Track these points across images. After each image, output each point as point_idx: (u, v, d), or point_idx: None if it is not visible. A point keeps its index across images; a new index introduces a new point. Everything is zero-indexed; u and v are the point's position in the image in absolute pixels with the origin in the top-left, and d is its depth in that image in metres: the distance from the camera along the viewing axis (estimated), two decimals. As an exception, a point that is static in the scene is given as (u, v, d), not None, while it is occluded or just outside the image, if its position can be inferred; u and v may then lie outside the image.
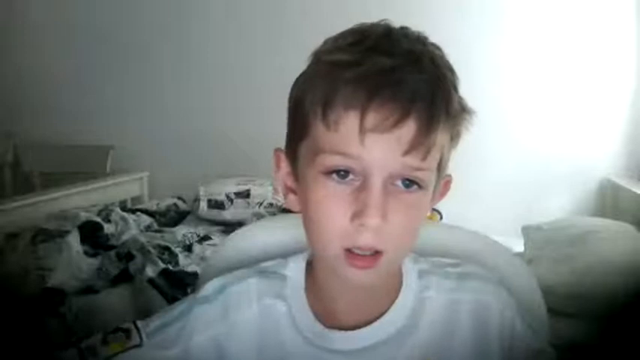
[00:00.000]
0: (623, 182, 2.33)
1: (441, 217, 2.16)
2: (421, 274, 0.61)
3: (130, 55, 2.70)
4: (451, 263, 0.63)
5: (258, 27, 2.61)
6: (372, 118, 0.48)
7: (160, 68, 2.70)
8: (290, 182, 0.58)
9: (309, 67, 0.55)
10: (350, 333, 0.57)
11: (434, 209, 2.15)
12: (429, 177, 0.52)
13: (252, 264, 0.65)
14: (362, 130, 0.48)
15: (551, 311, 1.65)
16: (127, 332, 0.56)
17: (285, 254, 0.66)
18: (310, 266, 0.61)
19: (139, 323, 0.57)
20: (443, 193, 0.58)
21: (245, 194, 2.32)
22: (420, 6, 2.41)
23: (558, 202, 2.48)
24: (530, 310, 0.65)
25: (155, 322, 0.58)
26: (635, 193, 2.16)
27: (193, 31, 2.66)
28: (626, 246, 1.67)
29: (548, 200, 2.47)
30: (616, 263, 1.58)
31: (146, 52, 2.69)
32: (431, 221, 2.05)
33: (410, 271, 0.61)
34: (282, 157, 0.59)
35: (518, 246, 1.98)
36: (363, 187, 0.49)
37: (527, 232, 1.96)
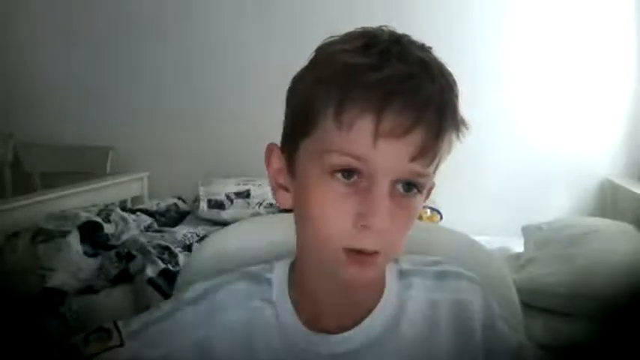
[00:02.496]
0: (623, 182, 2.34)
1: (441, 218, 2.16)
2: (402, 273, 0.62)
3: (130, 56, 2.70)
4: (431, 262, 0.64)
5: (258, 27, 2.61)
6: (387, 122, 0.48)
7: (160, 69, 2.70)
8: (282, 179, 0.58)
9: (315, 64, 0.55)
10: (335, 336, 0.57)
11: (433, 209, 2.15)
12: (427, 182, 0.53)
13: (230, 265, 0.65)
14: (376, 134, 0.48)
15: (551, 311, 1.66)
16: (108, 332, 0.56)
17: (265, 255, 0.66)
18: (294, 269, 0.61)
19: (120, 323, 0.57)
20: (425, 198, 0.58)
21: (245, 194, 2.32)
22: (422, 6, 2.42)
23: (558, 201, 2.48)
24: (505, 305, 0.67)
25: (138, 322, 0.58)
26: (635, 193, 2.16)
27: (193, 32, 2.66)
28: (626, 246, 1.67)
29: (548, 200, 2.47)
30: (616, 263, 1.58)
31: (146, 53, 2.69)
32: (431, 222, 2.06)
33: (391, 270, 0.62)
34: (276, 152, 0.58)
35: (518, 246, 1.98)
36: (369, 189, 0.50)
37: (527, 232, 1.96)
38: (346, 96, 0.49)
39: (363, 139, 0.49)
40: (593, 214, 2.37)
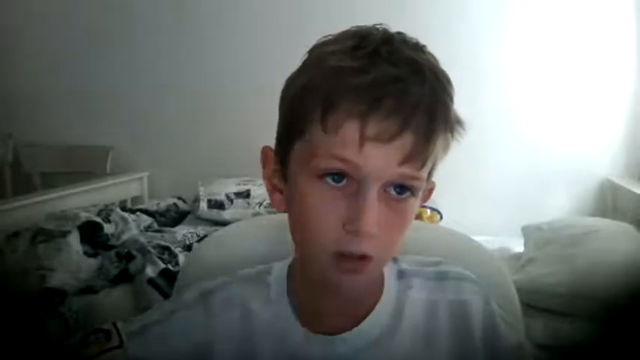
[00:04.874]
0: (623, 182, 2.34)
1: (441, 218, 2.16)
2: (401, 274, 0.62)
3: (130, 56, 2.70)
4: (431, 262, 0.64)
5: (257, 26, 2.61)
6: (373, 127, 0.47)
7: (160, 69, 2.70)
8: (277, 181, 0.58)
9: (306, 66, 0.54)
10: (334, 337, 0.57)
11: (433, 209, 2.15)
12: (421, 185, 0.52)
13: (230, 265, 0.65)
14: (362, 138, 0.47)
15: (551, 311, 1.66)
16: (107, 333, 0.56)
17: (265, 255, 0.66)
18: (293, 270, 0.61)
19: (119, 324, 0.57)
20: (425, 199, 0.58)
21: (245, 194, 2.32)
22: (421, 6, 2.42)
23: (558, 201, 2.48)
24: (505, 305, 0.67)
25: (137, 323, 0.58)
26: (635, 193, 2.16)
27: (193, 32, 2.66)
28: (626, 246, 1.67)
29: (548, 200, 2.47)
30: (616, 263, 1.58)
31: (146, 53, 2.69)
32: (431, 222, 2.06)
33: (391, 270, 0.61)
34: (271, 155, 0.58)
35: (518, 246, 1.98)
36: (358, 193, 0.49)
37: (527, 232, 1.96)
38: (332, 100, 0.48)
39: (348, 142, 0.48)
40: (593, 214, 2.37)
